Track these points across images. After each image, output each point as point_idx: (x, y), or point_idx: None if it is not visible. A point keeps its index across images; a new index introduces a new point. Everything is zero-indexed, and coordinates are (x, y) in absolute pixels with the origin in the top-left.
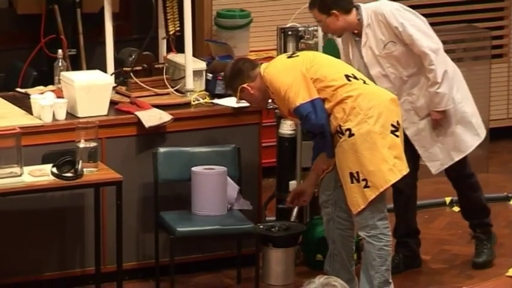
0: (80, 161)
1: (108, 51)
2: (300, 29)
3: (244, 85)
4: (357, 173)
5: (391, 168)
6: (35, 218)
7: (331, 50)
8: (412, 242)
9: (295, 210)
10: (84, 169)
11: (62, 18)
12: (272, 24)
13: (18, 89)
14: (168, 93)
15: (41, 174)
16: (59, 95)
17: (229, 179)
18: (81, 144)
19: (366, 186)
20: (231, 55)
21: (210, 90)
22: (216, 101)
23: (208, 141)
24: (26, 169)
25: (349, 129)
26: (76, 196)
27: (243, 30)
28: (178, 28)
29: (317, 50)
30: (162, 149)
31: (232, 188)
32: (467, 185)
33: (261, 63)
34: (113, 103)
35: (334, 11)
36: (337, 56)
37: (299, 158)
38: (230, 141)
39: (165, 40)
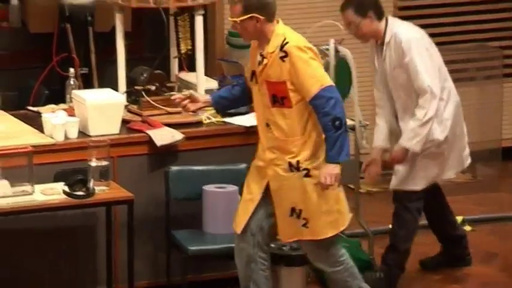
0: (92, 180)
1: (120, 69)
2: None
3: (260, 17)
4: (300, 210)
5: (332, 221)
6: (47, 236)
7: (342, 69)
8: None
9: None
10: (96, 188)
11: (74, 37)
12: None
13: (30, 108)
14: (179, 112)
15: (52, 192)
16: (71, 114)
17: (240, 198)
18: (93, 163)
19: (305, 226)
20: (243, 74)
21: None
22: (227, 119)
23: (219, 160)
24: (38, 187)
25: (307, 170)
26: (88, 215)
27: None
28: (190, 47)
29: (328, 69)
30: (173, 168)
31: None
32: (398, 216)
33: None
34: (124, 122)
35: (371, 14)
36: (348, 76)
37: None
38: (242, 160)
39: (177, 59)
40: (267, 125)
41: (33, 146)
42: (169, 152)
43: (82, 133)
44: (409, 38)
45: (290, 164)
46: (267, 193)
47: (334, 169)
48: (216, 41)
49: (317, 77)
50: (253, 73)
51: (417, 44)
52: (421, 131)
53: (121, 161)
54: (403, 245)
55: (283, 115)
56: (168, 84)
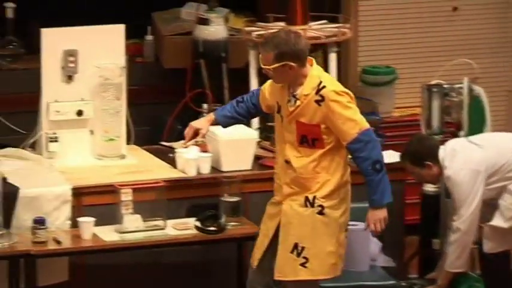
0: (224, 215)
1: None
2: (445, 86)
3: (293, 64)
4: (302, 248)
5: (332, 265)
6: (178, 270)
7: (476, 108)
8: None
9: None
10: (228, 223)
11: (207, 72)
12: (417, 81)
13: (163, 143)
14: None
15: (184, 227)
16: (204, 149)
17: (371, 235)
18: (225, 199)
19: (303, 265)
20: (376, 112)
21: None
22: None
23: (353, 197)
24: (170, 222)
25: (322, 207)
26: (219, 250)
27: (388, 87)
28: None
29: (462, 108)
30: None
31: (375, 245)
32: None
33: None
34: (257, 158)
35: (428, 162)
36: (482, 115)
37: (443, 216)
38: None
39: None
40: (287, 161)
41: (166, 181)
42: None
43: (214, 168)
44: (457, 170)
45: (306, 199)
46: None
47: (382, 213)
48: (350, 78)
49: (356, 121)
50: (279, 106)
51: (464, 176)
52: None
53: (253, 197)
54: None
55: (309, 155)
56: None
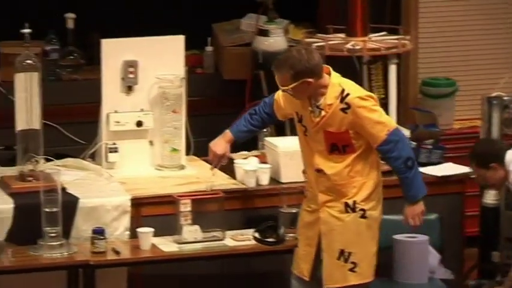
0: (282, 227)
1: None
2: (505, 98)
3: (311, 80)
4: (349, 253)
5: (375, 266)
6: (236, 281)
7: None
8: None
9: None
10: (286, 234)
11: (267, 83)
12: (477, 94)
13: None
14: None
15: (243, 238)
16: (263, 161)
17: (430, 247)
18: (284, 210)
19: (352, 270)
20: (436, 124)
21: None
22: (420, 169)
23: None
24: (229, 233)
25: (363, 210)
26: (277, 261)
27: (448, 99)
28: (383, 96)
29: None
30: None
31: (434, 257)
32: None
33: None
34: (316, 170)
35: (494, 164)
36: None
37: (502, 229)
38: (433, 209)
39: None
40: (318, 170)
41: (225, 192)
42: None
43: (273, 180)
44: None
45: (346, 205)
46: (321, 239)
47: (419, 207)
48: (410, 90)
49: (383, 123)
50: (300, 116)
51: None
52: None
53: None
54: None
55: (342, 161)
56: None
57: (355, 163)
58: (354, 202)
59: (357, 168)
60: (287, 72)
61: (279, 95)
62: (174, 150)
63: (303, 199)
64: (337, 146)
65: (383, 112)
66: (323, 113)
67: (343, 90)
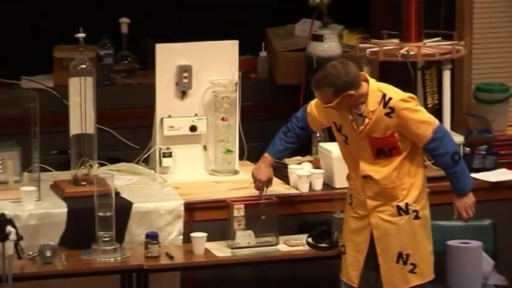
0: (336, 232)
1: None
2: None
3: (353, 92)
4: (407, 255)
5: (433, 263)
6: (288, 286)
7: None
8: None
9: None
10: (340, 240)
11: None
12: None
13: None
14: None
15: (296, 244)
16: (317, 166)
17: (484, 253)
18: (338, 215)
19: (412, 272)
20: (490, 129)
21: (468, 164)
22: (473, 175)
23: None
24: (282, 238)
25: (416, 211)
26: (331, 267)
27: (502, 105)
28: (436, 101)
29: None
30: None
31: (487, 263)
32: None
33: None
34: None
35: None
36: None
37: None
38: (486, 215)
39: None
40: (365, 177)
41: (278, 197)
42: None
43: (327, 185)
44: None
45: (399, 208)
46: (370, 244)
47: (469, 199)
48: (463, 95)
49: (427, 121)
50: (339, 126)
51: None
52: None
53: None
54: None
55: (389, 164)
56: None
57: (403, 165)
58: (406, 204)
59: (404, 169)
60: (328, 90)
61: (312, 107)
62: (229, 151)
63: (346, 206)
64: (383, 150)
65: (425, 111)
66: (366, 120)
67: (384, 95)
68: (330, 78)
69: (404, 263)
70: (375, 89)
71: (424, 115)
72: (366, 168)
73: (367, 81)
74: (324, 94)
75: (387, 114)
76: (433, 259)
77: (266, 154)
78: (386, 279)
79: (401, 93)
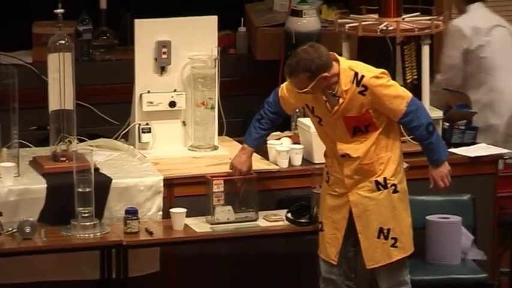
0: (315, 207)
1: None
2: None
3: (327, 74)
4: (388, 230)
5: (412, 235)
6: (267, 262)
7: None
8: None
9: None
10: (319, 215)
11: None
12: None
13: None
14: (404, 142)
15: (275, 219)
16: (296, 141)
17: (463, 228)
18: (317, 190)
19: (394, 246)
20: (468, 105)
21: (446, 139)
22: (452, 150)
23: (437, 191)
24: (261, 214)
25: (394, 185)
26: (310, 242)
27: None
28: (415, 76)
29: None
30: None
31: (467, 238)
32: None
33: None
34: None
35: None
36: None
37: None
38: (465, 190)
39: None
40: (343, 155)
41: (257, 172)
42: None
43: (306, 160)
44: None
45: (377, 183)
46: (349, 221)
47: (445, 168)
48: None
49: (400, 95)
50: (312, 108)
51: None
52: None
53: None
54: None
55: (366, 140)
56: None
57: (379, 140)
58: (385, 179)
59: (381, 144)
60: (303, 75)
61: (283, 91)
62: (213, 107)
63: (323, 183)
64: (360, 128)
65: (397, 85)
66: (341, 100)
67: (356, 74)
68: (303, 63)
69: (386, 238)
70: (346, 67)
71: (398, 89)
72: (343, 147)
73: (337, 60)
74: (299, 80)
75: (361, 93)
76: (412, 232)
77: (244, 145)
78: (368, 256)
79: (373, 70)
